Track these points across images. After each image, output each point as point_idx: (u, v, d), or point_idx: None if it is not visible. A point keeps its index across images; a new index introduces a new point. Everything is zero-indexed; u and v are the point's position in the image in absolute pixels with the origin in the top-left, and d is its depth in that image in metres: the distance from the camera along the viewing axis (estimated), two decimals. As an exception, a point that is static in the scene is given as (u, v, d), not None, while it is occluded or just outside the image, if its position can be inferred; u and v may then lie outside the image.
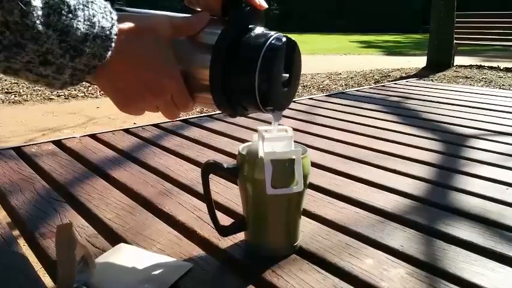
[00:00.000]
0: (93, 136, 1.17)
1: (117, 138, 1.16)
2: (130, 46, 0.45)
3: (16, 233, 0.68)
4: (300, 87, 5.13)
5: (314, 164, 0.91)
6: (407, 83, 2.18)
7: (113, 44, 0.42)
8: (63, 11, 0.37)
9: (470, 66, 7.05)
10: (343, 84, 5.66)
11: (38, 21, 0.36)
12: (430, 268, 0.56)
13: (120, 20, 0.44)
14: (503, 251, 0.61)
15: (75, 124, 3.60)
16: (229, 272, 0.57)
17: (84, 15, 0.39)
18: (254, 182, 0.56)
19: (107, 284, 0.52)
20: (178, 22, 0.48)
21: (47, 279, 0.56)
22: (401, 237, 0.64)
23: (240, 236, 0.62)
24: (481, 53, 9.37)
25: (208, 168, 0.58)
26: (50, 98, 4.58)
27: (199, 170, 0.58)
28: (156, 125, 1.29)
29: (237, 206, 0.73)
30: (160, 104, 0.49)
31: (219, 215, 0.62)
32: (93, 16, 0.40)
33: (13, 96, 4.60)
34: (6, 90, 4.82)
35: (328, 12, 20.17)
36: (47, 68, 0.39)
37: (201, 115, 1.43)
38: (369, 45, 13.02)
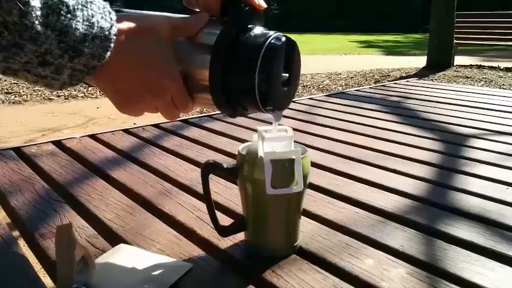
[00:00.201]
0: (93, 136, 1.17)
1: (116, 138, 1.16)
2: (129, 46, 0.44)
3: (16, 233, 0.68)
4: (299, 87, 5.13)
5: (314, 164, 0.91)
6: (408, 83, 2.18)
7: (112, 45, 0.42)
8: (62, 11, 0.37)
9: (470, 66, 7.05)
10: (343, 84, 5.66)
11: (36, 22, 0.36)
12: (430, 268, 0.56)
13: (119, 20, 0.43)
14: (503, 251, 0.61)
15: (75, 124, 3.61)
16: (229, 272, 0.57)
17: (83, 15, 0.39)
18: (254, 182, 0.56)
19: (106, 285, 0.52)
20: (178, 22, 0.48)
21: (47, 279, 0.56)
22: (401, 237, 0.64)
23: (240, 236, 0.62)
24: (481, 52, 9.37)
25: (208, 168, 0.58)
26: (50, 99, 4.58)
27: (199, 170, 0.58)
28: (156, 125, 1.29)
29: (237, 206, 0.73)
30: (160, 105, 0.49)
31: (219, 215, 0.62)
32: (92, 16, 0.40)
33: (13, 96, 4.60)
34: (6, 91, 4.82)
35: (328, 12, 20.18)
36: (45, 68, 0.39)
37: (201, 115, 1.43)
38: (368, 45, 13.02)
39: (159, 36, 0.46)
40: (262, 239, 0.61)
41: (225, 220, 0.67)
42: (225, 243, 0.62)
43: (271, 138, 0.55)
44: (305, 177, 0.56)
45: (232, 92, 0.47)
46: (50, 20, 0.36)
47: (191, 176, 0.88)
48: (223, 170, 0.58)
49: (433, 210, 0.74)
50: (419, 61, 7.40)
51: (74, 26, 0.38)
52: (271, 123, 0.55)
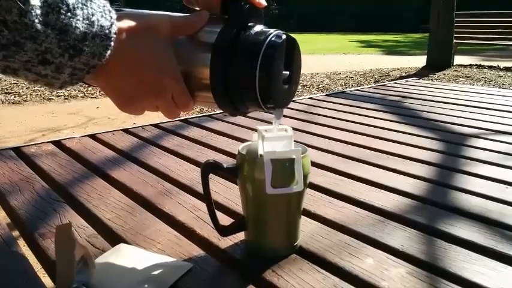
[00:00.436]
0: (93, 136, 1.17)
1: (116, 138, 1.15)
2: (130, 45, 0.44)
3: (16, 233, 0.68)
4: (299, 86, 5.13)
5: (314, 164, 0.91)
6: (407, 83, 2.18)
7: (112, 43, 0.42)
8: (61, 10, 0.37)
9: (470, 66, 7.05)
10: (343, 83, 5.66)
11: (36, 20, 0.35)
12: (430, 267, 0.56)
13: (119, 19, 0.43)
14: (503, 250, 0.60)
15: (75, 124, 3.61)
16: (229, 271, 0.57)
17: (83, 14, 0.39)
18: (254, 182, 0.56)
19: (106, 285, 0.52)
20: (178, 21, 0.48)
21: (46, 279, 0.56)
22: (401, 237, 0.64)
23: (240, 235, 0.62)
24: (481, 52, 9.37)
25: (208, 168, 0.58)
26: (50, 98, 4.58)
27: (199, 169, 0.58)
28: (156, 125, 1.29)
29: (237, 205, 0.73)
30: (161, 104, 0.49)
31: (219, 215, 0.62)
32: (92, 15, 0.40)
33: (13, 96, 4.60)
34: (6, 91, 4.82)
35: (328, 12, 20.17)
36: (46, 67, 0.39)
37: (201, 115, 1.43)
38: (368, 44, 13.02)
39: (159, 34, 0.46)
40: (263, 239, 0.61)
41: (225, 220, 0.67)
42: (225, 243, 0.62)
43: (271, 137, 0.54)
44: (305, 176, 0.56)
45: (233, 90, 0.47)
46: (49, 18, 0.36)
47: (191, 175, 0.88)
48: (223, 169, 0.58)
49: (433, 209, 0.74)
50: (419, 61, 7.40)
51: (74, 24, 0.38)
52: (271, 123, 0.55)
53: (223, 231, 0.61)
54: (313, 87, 5.34)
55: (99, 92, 4.60)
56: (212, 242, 0.62)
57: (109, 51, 0.42)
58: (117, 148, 1.07)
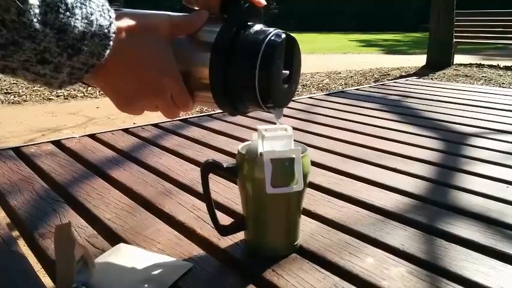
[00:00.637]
0: (93, 136, 1.17)
1: (116, 138, 1.15)
2: (129, 45, 0.44)
3: (15, 233, 0.68)
4: (299, 86, 5.13)
5: (314, 163, 0.91)
6: (407, 82, 2.18)
7: (111, 43, 0.42)
8: (60, 9, 0.37)
9: (470, 65, 7.05)
10: (343, 83, 5.66)
11: (35, 19, 0.35)
12: (430, 267, 0.56)
13: (118, 18, 0.43)
14: (504, 250, 0.60)
15: (75, 124, 3.60)
16: (229, 271, 0.56)
17: (81, 13, 0.39)
18: (254, 181, 0.56)
19: (106, 284, 0.52)
20: (178, 20, 0.48)
21: (46, 279, 0.56)
22: (401, 236, 0.64)
23: (240, 235, 0.62)
24: (481, 51, 9.36)
25: (208, 168, 0.58)
26: (50, 98, 4.58)
27: (199, 169, 0.58)
28: (156, 125, 1.28)
29: (237, 205, 0.73)
30: (160, 104, 0.48)
31: (219, 215, 0.62)
32: (91, 14, 0.39)
33: (12, 96, 4.60)
34: (5, 91, 4.82)
35: (328, 11, 20.17)
36: (44, 66, 0.39)
37: (201, 114, 1.43)
38: (368, 44, 13.02)
39: (158, 34, 0.46)
40: (262, 238, 0.60)
41: (225, 219, 0.67)
42: (225, 242, 0.62)
43: (271, 137, 0.54)
44: (305, 176, 0.56)
45: (233, 89, 0.47)
46: (48, 17, 0.36)
47: (191, 175, 0.88)
48: (223, 169, 0.58)
49: (433, 208, 0.74)
50: (419, 60, 7.40)
51: (72, 24, 0.38)
52: (271, 123, 0.55)
53: (223, 230, 0.61)
54: (313, 87, 5.34)
55: (99, 92, 4.59)
56: (212, 242, 0.62)
57: (108, 51, 0.42)
58: (117, 148, 1.07)
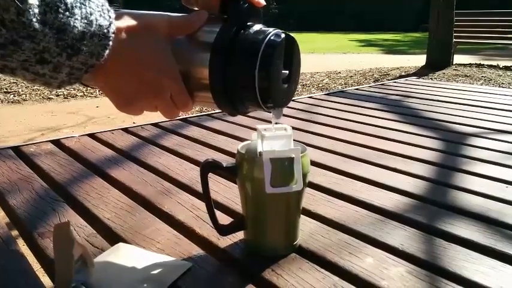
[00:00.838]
0: (92, 135, 1.16)
1: (116, 137, 1.15)
2: (128, 45, 0.44)
3: (15, 232, 0.68)
4: (299, 86, 5.13)
5: (314, 163, 0.91)
6: (407, 82, 2.18)
7: (111, 43, 0.42)
8: (60, 9, 0.37)
9: (470, 65, 7.05)
10: (343, 83, 5.66)
11: (34, 19, 0.35)
12: (430, 266, 0.56)
13: (117, 19, 0.43)
14: (503, 250, 0.60)
15: (74, 124, 3.60)
16: (229, 271, 0.56)
17: (81, 13, 0.39)
18: (253, 181, 0.56)
19: (105, 284, 0.52)
20: (177, 21, 0.48)
21: (46, 279, 0.56)
22: (401, 236, 0.64)
23: (240, 235, 0.62)
24: (481, 51, 9.37)
25: (208, 167, 0.58)
26: (49, 98, 4.57)
27: (199, 169, 0.58)
28: (155, 124, 1.28)
29: (236, 205, 0.73)
30: (160, 104, 0.48)
31: (218, 214, 0.61)
32: (91, 14, 0.39)
33: (12, 95, 4.60)
34: (5, 90, 4.81)
35: (327, 11, 20.17)
36: (43, 66, 0.39)
37: (200, 114, 1.43)
38: (368, 43, 13.02)
39: (158, 34, 0.46)
40: (262, 238, 0.60)
41: (224, 219, 0.67)
42: (224, 242, 0.62)
43: (270, 136, 0.54)
44: (304, 175, 0.56)
45: (233, 89, 0.47)
46: (47, 17, 0.36)
47: (190, 175, 0.88)
48: (222, 169, 0.58)
49: (433, 208, 0.74)
50: (419, 60, 7.40)
51: (72, 23, 0.38)
52: (270, 122, 0.55)
53: (223, 230, 0.61)
54: (313, 87, 5.34)
55: (99, 91, 4.58)
56: (211, 241, 0.62)
57: (107, 51, 0.42)
58: (117, 147, 1.07)
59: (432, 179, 0.87)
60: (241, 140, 0.94)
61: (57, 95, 4.65)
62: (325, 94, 1.85)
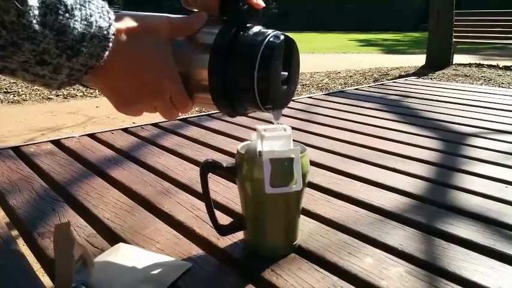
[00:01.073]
0: (92, 136, 1.17)
1: (116, 137, 1.15)
2: (128, 46, 0.44)
3: (15, 232, 0.68)
4: (299, 86, 5.13)
5: (313, 163, 0.91)
6: (407, 82, 2.18)
7: (111, 44, 0.42)
8: (60, 11, 0.37)
9: (470, 65, 7.05)
10: (342, 82, 5.66)
11: (34, 21, 0.35)
12: (429, 267, 0.56)
13: (117, 20, 0.43)
14: (503, 250, 0.61)
15: (74, 124, 3.60)
16: (229, 271, 0.57)
17: (81, 14, 0.39)
18: (253, 181, 0.56)
19: (105, 284, 0.52)
20: (177, 22, 0.48)
21: (46, 279, 0.56)
22: (400, 236, 0.64)
23: (239, 235, 0.62)
24: (480, 51, 9.37)
25: (207, 168, 0.58)
26: (49, 98, 4.57)
27: (198, 169, 0.58)
28: (155, 124, 1.29)
29: (236, 205, 0.73)
30: (159, 105, 0.49)
31: (218, 214, 0.62)
32: (91, 16, 0.40)
33: (12, 95, 4.60)
34: (5, 90, 4.81)
35: (327, 10, 20.16)
36: (43, 68, 0.39)
37: (200, 114, 1.43)
38: (368, 43, 13.02)
39: (158, 36, 0.46)
40: (262, 238, 0.61)
41: (224, 219, 0.67)
42: (224, 242, 0.62)
43: (270, 137, 0.54)
44: (304, 176, 0.56)
45: (232, 91, 0.47)
46: (47, 19, 0.36)
47: (190, 175, 0.88)
48: (222, 169, 0.58)
49: (432, 208, 0.74)
50: (419, 60, 7.40)
51: (72, 25, 0.38)
52: (270, 122, 0.55)
53: (223, 230, 0.61)
54: (313, 87, 5.34)
55: (98, 91, 4.59)
56: (211, 242, 0.62)
57: (107, 52, 0.42)
58: (116, 147, 1.07)
59: (431, 179, 0.87)
60: (241, 140, 0.94)
61: (57, 95, 4.65)
62: (324, 94, 1.85)
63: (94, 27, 0.40)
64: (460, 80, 5.65)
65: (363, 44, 12.90)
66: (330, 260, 0.58)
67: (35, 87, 4.81)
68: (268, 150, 0.53)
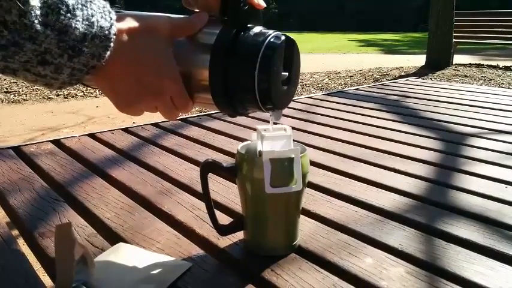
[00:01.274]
0: (92, 135, 1.17)
1: (116, 137, 1.15)
2: (129, 46, 0.44)
3: (15, 232, 0.68)
4: (299, 86, 5.13)
5: (313, 163, 0.91)
6: (407, 82, 2.18)
7: (112, 44, 0.42)
8: (61, 11, 0.37)
9: (469, 65, 7.05)
10: (342, 83, 5.66)
11: (36, 21, 0.35)
12: (429, 267, 0.56)
13: (119, 20, 0.43)
14: (502, 250, 0.61)
15: (75, 123, 3.60)
16: (229, 271, 0.57)
17: (82, 14, 0.39)
18: (253, 181, 0.56)
19: (105, 284, 0.52)
20: (178, 22, 0.48)
21: (46, 278, 0.56)
22: (400, 236, 0.64)
23: (239, 235, 0.62)
24: (480, 51, 9.37)
25: (207, 168, 0.58)
26: (49, 98, 4.57)
27: (198, 169, 0.58)
28: (155, 124, 1.29)
29: (236, 205, 0.73)
30: (160, 105, 0.49)
31: (218, 214, 0.62)
32: (92, 16, 0.40)
33: (12, 95, 4.60)
34: (5, 90, 4.81)
35: (327, 11, 20.16)
36: (45, 67, 0.39)
37: (200, 114, 1.43)
38: (368, 43, 13.02)
39: (159, 36, 0.46)
40: (262, 238, 0.61)
41: (224, 219, 0.67)
42: (224, 242, 0.62)
43: (270, 137, 0.55)
44: (304, 176, 0.56)
45: (232, 91, 0.47)
46: (49, 19, 0.36)
47: (190, 175, 0.88)
48: (222, 169, 0.58)
49: (432, 209, 0.74)
50: (419, 60, 7.41)
51: (73, 25, 0.38)
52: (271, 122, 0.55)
53: (223, 230, 0.61)
54: (313, 87, 5.34)
55: (99, 91, 4.59)
56: (211, 241, 0.63)
57: (108, 52, 0.42)
58: (117, 147, 1.07)
59: (431, 179, 0.87)
60: (241, 140, 0.94)
61: (57, 95, 4.65)
62: (324, 94, 1.85)
63: (95, 27, 0.40)
64: (460, 80, 5.65)
65: (363, 44, 12.90)
66: (330, 260, 0.58)
67: (35, 87, 4.81)
68: (268, 150, 0.53)
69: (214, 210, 0.60)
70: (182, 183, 0.84)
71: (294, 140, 0.56)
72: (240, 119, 1.30)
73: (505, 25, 6.78)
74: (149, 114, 0.56)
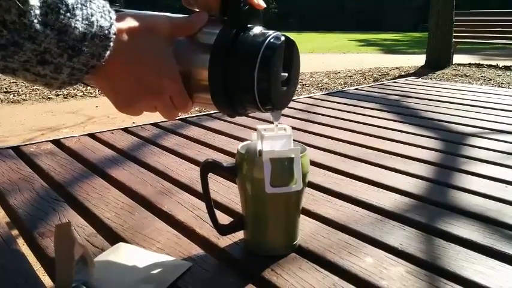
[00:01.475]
0: (92, 135, 1.17)
1: (116, 137, 1.15)
2: (129, 46, 0.44)
3: (15, 232, 0.68)
4: (299, 86, 5.14)
5: (313, 163, 0.91)
6: (406, 82, 2.18)
7: (112, 44, 0.42)
8: (61, 10, 0.37)
9: (469, 65, 7.06)
10: (342, 82, 5.66)
11: (35, 20, 0.35)
12: (429, 266, 0.56)
13: (118, 20, 0.43)
14: (502, 249, 0.61)
15: (74, 123, 3.60)
16: (229, 271, 0.57)
17: (82, 14, 0.39)
18: (253, 181, 0.56)
19: (105, 284, 0.52)
20: (178, 22, 0.48)
21: (46, 278, 0.56)
22: (400, 236, 0.64)
23: (239, 235, 0.62)
24: (480, 51, 9.37)
25: (207, 167, 0.58)
26: (49, 98, 4.57)
27: (198, 169, 0.58)
28: (155, 124, 1.29)
29: (236, 205, 0.73)
30: (159, 105, 0.49)
31: (218, 214, 0.62)
32: (92, 15, 0.40)
33: (12, 95, 4.60)
34: (5, 90, 4.81)
35: (327, 10, 20.17)
36: (45, 67, 0.39)
37: (200, 114, 1.43)
38: (367, 43, 13.02)
39: (159, 35, 0.46)
40: (262, 238, 0.61)
41: (224, 219, 0.67)
42: (224, 242, 0.62)
43: (270, 137, 0.55)
44: (304, 175, 0.56)
45: (232, 91, 0.47)
46: (49, 18, 0.36)
47: (190, 175, 0.88)
48: (222, 169, 0.58)
49: (432, 208, 0.74)
50: (418, 60, 7.41)
51: (73, 25, 0.38)
52: (270, 122, 0.55)
53: (223, 230, 0.61)
54: (313, 86, 5.34)
55: (98, 91, 4.59)
56: (211, 241, 0.63)
57: (108, 52, 0.42)
58: (117, 147, 1.07)
59: (432, 178, 0.87)
60: (241, 140, 0.94)
61: (57, 95, 4.65)
62: (324, 94, 1.85)
63: (95, 26, 0.40)
64: (459, 80, 5.66)
65: (362, 43, 12.91)
66: (330, 259, 0.58)
67: (35, 87, 4.81)
68: (268, 150, 0.53)
69: (215, 210, 0.60)
70: (182, 183, 0.84)
71: (294, 140, 0.56)
72: (240, 119, 1.30)
73: (504, 25, 6.79)
74: (149, 114, 0.56)
